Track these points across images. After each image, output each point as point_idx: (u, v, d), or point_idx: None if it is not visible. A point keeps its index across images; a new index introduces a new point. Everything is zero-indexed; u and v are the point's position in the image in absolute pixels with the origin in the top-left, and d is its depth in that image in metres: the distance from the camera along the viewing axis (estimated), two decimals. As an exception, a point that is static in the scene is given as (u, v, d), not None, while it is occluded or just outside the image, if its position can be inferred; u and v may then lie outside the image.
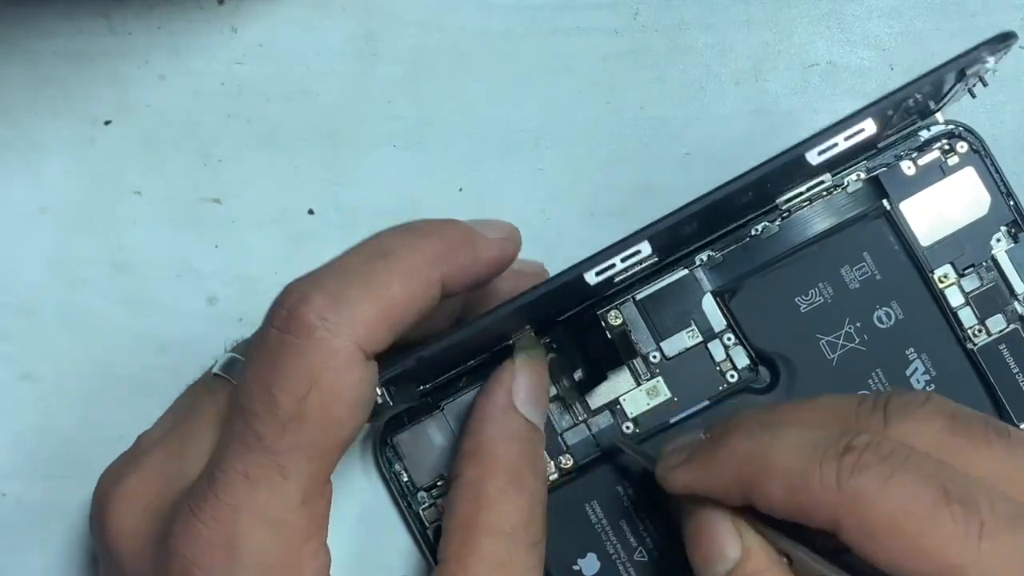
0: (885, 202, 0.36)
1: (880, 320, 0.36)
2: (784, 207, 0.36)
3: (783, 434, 0.28)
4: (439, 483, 0.36)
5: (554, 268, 0.37)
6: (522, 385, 0.33)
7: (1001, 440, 0.28)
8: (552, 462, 0.36)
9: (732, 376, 0.36)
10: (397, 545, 0.37)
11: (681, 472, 0.30)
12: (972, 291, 0.36)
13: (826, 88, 0.38)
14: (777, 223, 0.37)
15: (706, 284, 0.37)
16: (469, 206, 0.38)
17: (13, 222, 0.38)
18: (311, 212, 0.37)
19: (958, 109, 0.37)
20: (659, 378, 0.36)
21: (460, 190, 0.38)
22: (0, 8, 0.38)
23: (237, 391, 0.29)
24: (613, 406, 0.36)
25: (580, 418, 0.37)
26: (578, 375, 0.36)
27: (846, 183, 0.36)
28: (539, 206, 0.38)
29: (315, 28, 0.38)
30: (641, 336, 0.36)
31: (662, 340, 0.36)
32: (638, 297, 0.37)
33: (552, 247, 0.38)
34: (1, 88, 0.38)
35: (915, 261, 0.36)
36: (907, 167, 0.36)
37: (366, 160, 0.38)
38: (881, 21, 0.38)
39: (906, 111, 0.33)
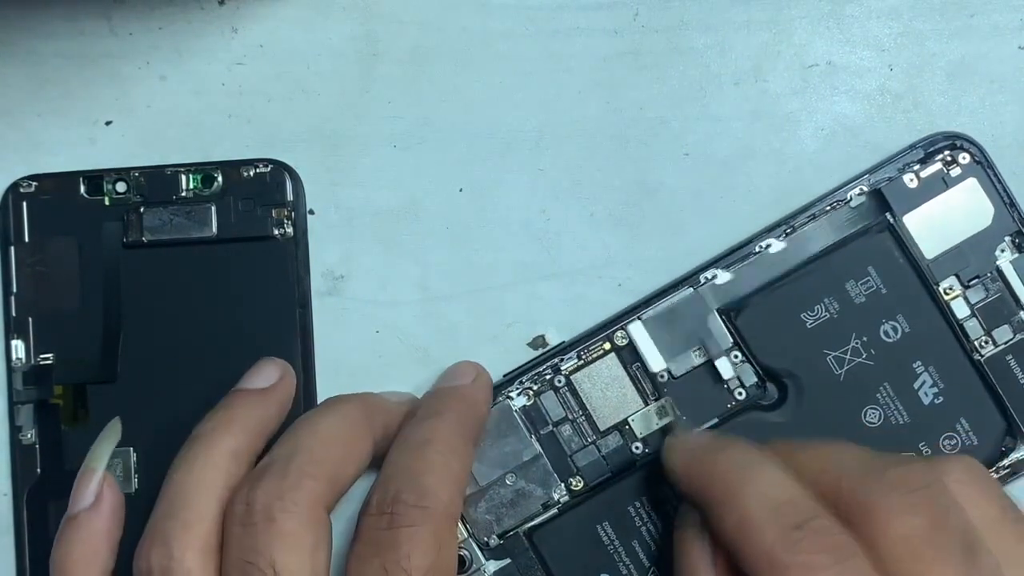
0: (888, 215, 0.36)
1: (887, 334, 0.36)
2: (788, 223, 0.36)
3: (764, 474, 0.29)
4: None
5: (554, 267, 0.37)
6: None
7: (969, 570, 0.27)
8: (563, 484, 0.36)
9: (740, 394, 0.36)
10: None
11: (676, 453, 0.32)
12: (978, 302, 0.36)
13: (826, 88, 0.37)
14: (782, 239, 0.36)
15: (712, 302, 0.36)
16: (469, 206, 0.37)
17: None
18: (311, 212, 0.37)
19: (957, 111, 0.37)
20: (667, 397, 0.36)
21: (460, 190, 0.37)
22: (1, 9, 0.37)
23: None
24: (622, 427, 0.36)
25: (589, 439, 0.36)
26: None
27: (849, 197, 0.36)
28: (539, 206, 0.37)
29: (315, 28, 0.37)
30: (650, 355, 0.36)
31: (670, 360, 0.36)
32: (644, 316, 0.36)
33: (552, 247, 0.37)
34: (2, 89, 0.37)
35: (920, 274, 0.36)
36: (909, 180, 0.36)
37: (366, 160, 0.37)
38: (880, 21, 0.37)
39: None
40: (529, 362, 0.36)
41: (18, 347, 0.36)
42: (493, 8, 0.37)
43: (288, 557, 0.30)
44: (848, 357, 0.36)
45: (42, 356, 0.36)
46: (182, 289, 0.36)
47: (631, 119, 0.37)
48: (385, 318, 0.37)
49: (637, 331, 0.36)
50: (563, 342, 0.36)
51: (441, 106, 0.37)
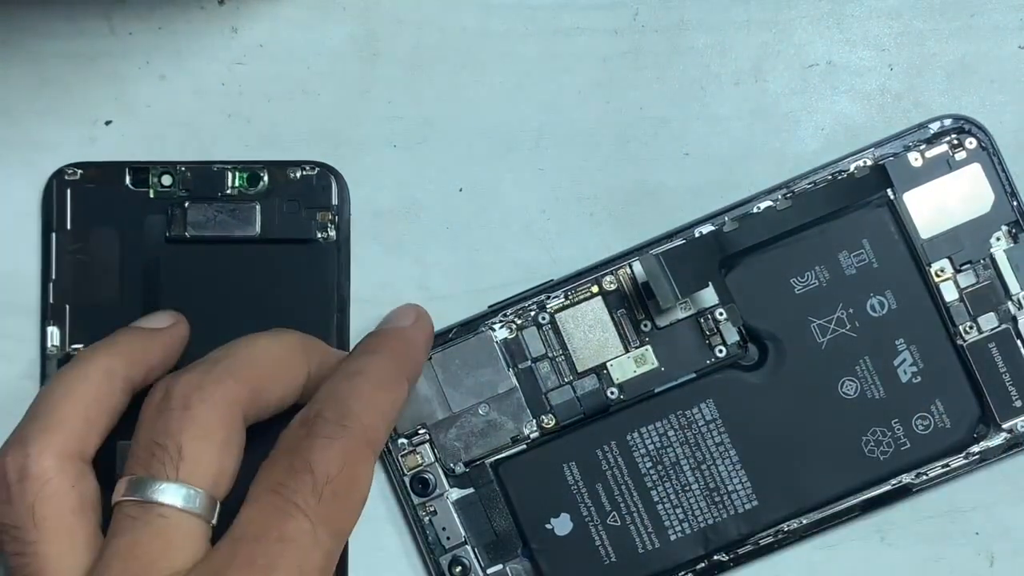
0: (889, 191, 0.36)
1: (873, 308, 0.36)
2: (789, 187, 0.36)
3: None
4: (420, 431, 0.36)
5: (554, 268, 0.37)
6: None
7: None
8: (535, 420, 0.36)
9: (720, 351, 0.36)
10: (397, 545, 0.36)
11: None
12: (967, 287, 0.36)
13: (826, 88, 0.37)
14: (780, 202, 0.36)
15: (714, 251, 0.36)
16: (469, 206, 0.37)
17: (14, 222, 0.37)
18: (311, 212, 0.37)
19: (957, 111, 0.37)
20: (648, 347, 0.36)
21: (460, 190, 0.37)
22: (1, 9, 0.37)
23: None
24: (600, 370, 0.36)
25: (566, 379, 0.36)
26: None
27: (852, 169, 0.36)
28: (539, 206, 0.37)
29: (315, 28, 0.37)
30: (660, 288, 0.34)
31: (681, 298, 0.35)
32: (654, 252, 0.36)
33: (552, 247, 0.37)
34: (2, 88, 0.37)
35: (914, 252, 0.36)
36: (914, 158, 0.36)
37: (366, 160, 0.37)
38: (881, 21, 0.37)
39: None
40: (515, 296, 0.36)
41: (53, 334, 0.36)
42: (493, 8, 0.37)
43: (196, 445, 0.30)
44: (832, 327, 0.36)
45: (77, 345, 0.36)
46: (221, 287, 0.36)
47: (631, 119, 0.37)
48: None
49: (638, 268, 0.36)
50: (551, 280, 0.36)
51: (441, 106, 0.37)
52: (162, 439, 0.30)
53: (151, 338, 0.33)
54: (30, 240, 0.37)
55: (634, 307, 0.36)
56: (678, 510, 0.36)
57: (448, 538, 0.36)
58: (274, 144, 0.37)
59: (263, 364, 0.32)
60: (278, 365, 0.32)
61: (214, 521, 0.30)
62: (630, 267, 0.36)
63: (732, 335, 0.36)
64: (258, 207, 0.36)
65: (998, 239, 0.36)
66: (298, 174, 0.36)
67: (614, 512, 0.36)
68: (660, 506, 0.36)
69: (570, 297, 0.36)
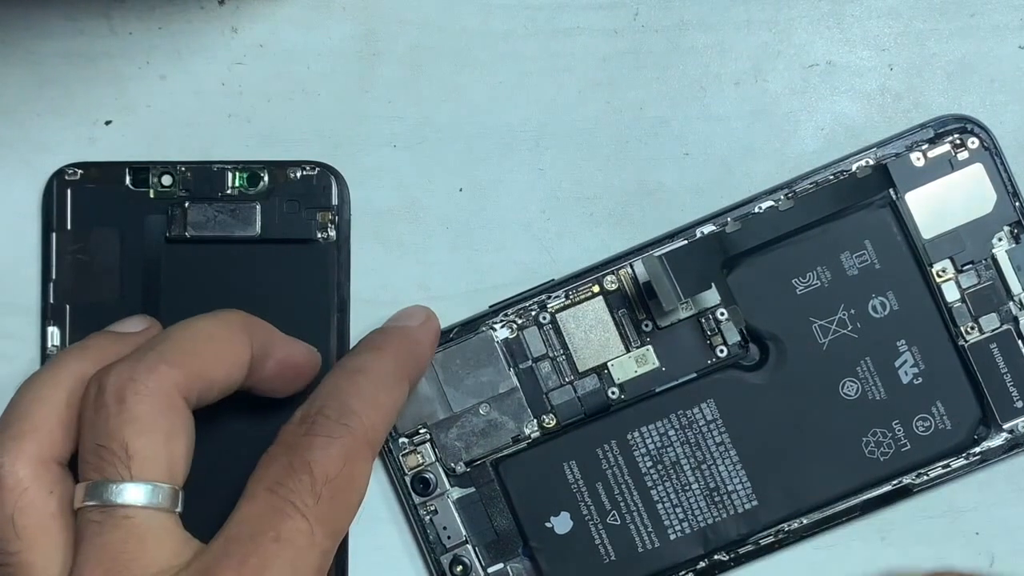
0: (891, 191, 0.36)
1: (875, 309, 0.36)
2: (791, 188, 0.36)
3: None
4: (421, 430, 0.36)
5: (554, 268, 0.37)
6: None
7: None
8: (535, 420, 0.36)
9: (722, 351, 0.36)
10: (397, 544, 0.37)
11: None
12: (969, 288, 0.36)
13: (826, 88, 0.37)
14: (782, 203, 0.36)
15: (716, 252, 0.36)
16: (469, 206, 0.37)
17: (14, 222, 0.37)
18: (311, 212, 0.37)
19: (957, 111, 0.37)
20: (649, 347, 0.36)
21: (460, 190, 0.37)
22: (1, 9, 0.37)
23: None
24: (601, 370, 0.36)
25: (567, 379, 0.36)
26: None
27: (855, 169, 0.36)
28: (539, 206, 0.37)
29: (315, 28, 0.37)
30: (663, 289, 0.34)
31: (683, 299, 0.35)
32: (656, 253, 0.36)
33: (552, 247, 0.37)
34: (2, 88, 0.37)
35: (915, 253, 0.36)
36: (916, 158, 0.36)
37: (366, 160, 0.37)
38: (881, 21, 0.37)
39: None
40: (516, 296, 0.36)
41: (54, 334, 0.36)
42: (493, 8, 0.37)
43: (141, 441, 0.29)
44: (833, 328, 0.36)
45: None
46: (222, 287, 0.36)
47: (631, 119, 0.37)
48: (385, 317, 0.37)
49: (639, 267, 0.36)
50: (552, 280, 0.36)
51: (441, 106, 0.37)
52: (105, 440, 0.29)
53: (123, 341, 0.33)
54: (30, 240, 0.37)
55: (635, 307, 0.36)
56: (678, 509, 0.36)
57: (449, 537, 0.36)
58: (274, 144, 0.37)
59: (198, 345, 0.31)
60: (216, 345, 0.31)
61: (179, 509, 0.30)
62: (631, 267, 0.36)
63: (733, 335, 0.36)
64: (258, 207, 0.36)
65: (1000, 240, 0.36)
66: (298, 174, 0.36)
67: (614, 511, 0.36)
68: (660, 505, 0.36)
69: (571, 297, 0.36)
